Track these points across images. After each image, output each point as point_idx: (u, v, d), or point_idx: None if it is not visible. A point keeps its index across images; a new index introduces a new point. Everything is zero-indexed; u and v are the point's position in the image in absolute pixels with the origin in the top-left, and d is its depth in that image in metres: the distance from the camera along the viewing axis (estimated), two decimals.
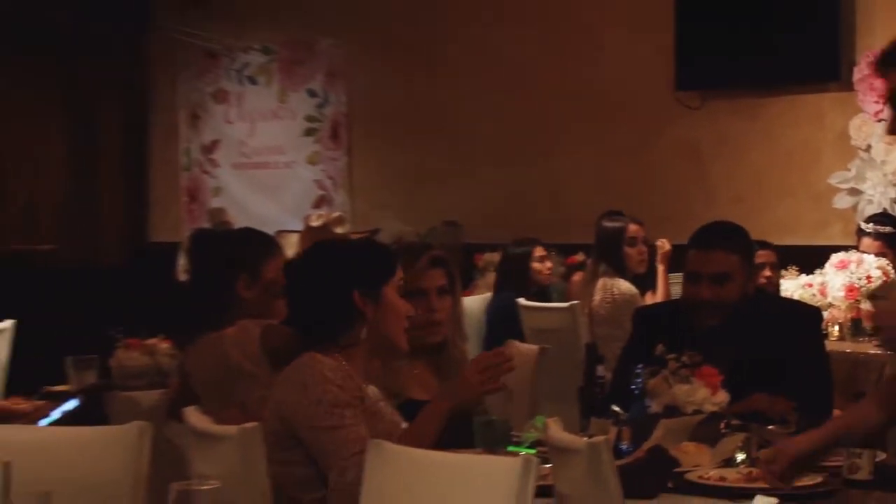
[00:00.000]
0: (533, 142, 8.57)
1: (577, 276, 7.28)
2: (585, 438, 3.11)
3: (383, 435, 3.18)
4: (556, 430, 3.16)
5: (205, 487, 2.41)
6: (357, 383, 3.46)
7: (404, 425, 3.57)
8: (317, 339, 3.54)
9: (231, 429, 3.41)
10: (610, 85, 8.25)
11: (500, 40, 8.38)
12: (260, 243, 4.58)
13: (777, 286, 6.08)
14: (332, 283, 3.58)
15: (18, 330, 6.71)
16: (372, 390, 3.54)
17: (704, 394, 3.67)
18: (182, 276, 8.32)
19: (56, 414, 5.03)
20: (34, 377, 5.69)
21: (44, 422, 4.96)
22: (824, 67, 7.44)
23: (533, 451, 3.36)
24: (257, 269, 4.36)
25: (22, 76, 9.87)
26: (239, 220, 9.11)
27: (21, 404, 5.18)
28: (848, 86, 7.40)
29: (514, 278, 7.15)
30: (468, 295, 6.88)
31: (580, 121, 8.44)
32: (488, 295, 7.35)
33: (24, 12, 9.46)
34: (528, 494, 2.69)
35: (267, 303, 4.28)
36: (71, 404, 5.14)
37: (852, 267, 5.87)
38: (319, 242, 4.65)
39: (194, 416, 3.63)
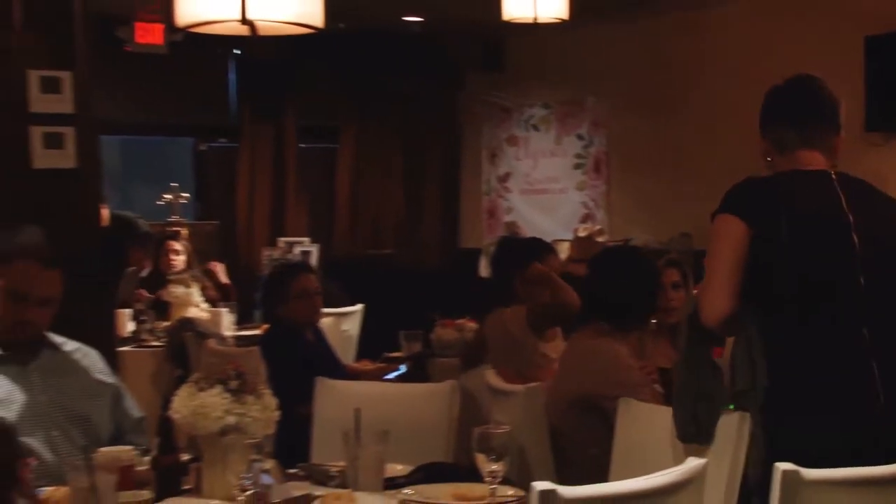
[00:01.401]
0: (750, 171, 8.32)
1: None
2: None
3: None
4: None
5: (499, 430, 2.42)
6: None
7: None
8: (624, 326, 3.48)
9: (519, 387, 3.41)
10: None
11: (724, 89, 8.17)
12: (528, 249, 4.58)
13: None
14: (649, 281, 3.57)
15: (366, 312, 6.91)
16: None
17: None
18: (484, 273, 8.41)
19: (393, 374, 5.13)
20: (377, 346, 5.84)
21: (390, 375, 5.07)
22: None
23: None
24: (527, 268, 4.37)
25: (373, 126, 10.15)
26: (526, 232, 9.16)
27: (368, 366, 5.31)
28: None
29: None
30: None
31: None
32: None
33: (378, 81, 9.75)
34: (743, 441, 2.61)
35: (534, 291, 4.29)
36: (403, 367, 5.24)
37: None
38: (626, 250, 4.63)
39: (491, 376, 3.66)
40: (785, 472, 2.06)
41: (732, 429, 2.62)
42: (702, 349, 2.73)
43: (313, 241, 8.95)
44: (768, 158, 2.86)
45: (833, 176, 2.76)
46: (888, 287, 2.63)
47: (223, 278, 6.97)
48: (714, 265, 2.69)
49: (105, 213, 5.46)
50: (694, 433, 2.71)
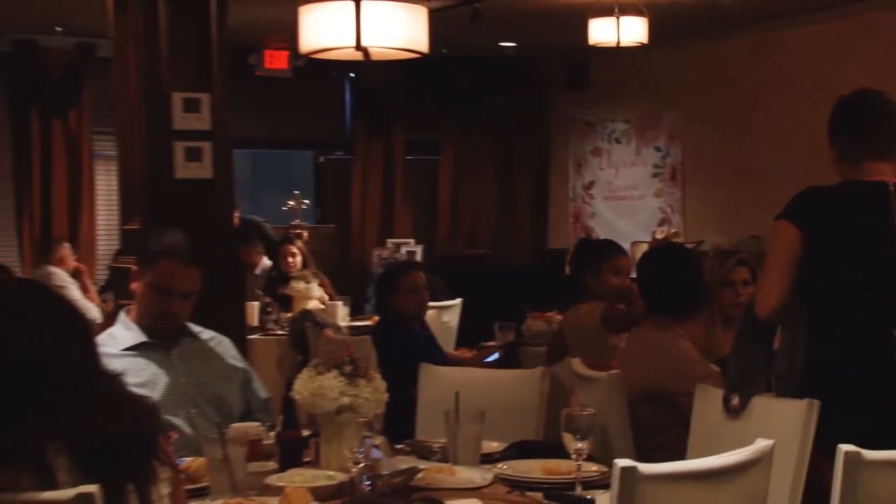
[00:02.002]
0: (813, 180, 8.13)
1: None
2: None
3: None
4: None
5: (585, 413, 2.39)
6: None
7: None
8: (680, 317, 3.42)
9: (602, 374, 3.36)
10: None
11: (790, 105, 8.00)
12: (599, 251, 4.51)
13: None
14: (692, 274, 3.52)
15: (465, 305, 6.91)
16: None
17: None
18: (569, 271, 8.35)
19: (488, 360, 5.12)
20: (475, 336, 5.83)
21: (489, 359, 5.06)
22: None
23: None
24: (597, 267, 4.32)
25: (472, 140, 10.16)
26: (601, 234, 9.08)
27: (466, 354, 5.31)
28: None
29: None
30: None
31: None
32: None
33: (476, 100, 9.77)
34: (811, 428, 2.54)
35: (602, 289, 4.23)
36: (497, 354, 5.23)
37: None
38: (671, 247, 4.54)
39: (577, 364, 3.62)
40: (847, 454, 1.99)
41: (800, 416, 2.55)
42: (752, 335, 2.74)
43: (418, 242, 9.00)
44: (837, 162, 2.81)
45: (891, 188, 2.69)
46: None
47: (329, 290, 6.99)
48: (769, 264, 2.74)
49: (235, 217, 5.55)
50: (735, 406, 2.72)
